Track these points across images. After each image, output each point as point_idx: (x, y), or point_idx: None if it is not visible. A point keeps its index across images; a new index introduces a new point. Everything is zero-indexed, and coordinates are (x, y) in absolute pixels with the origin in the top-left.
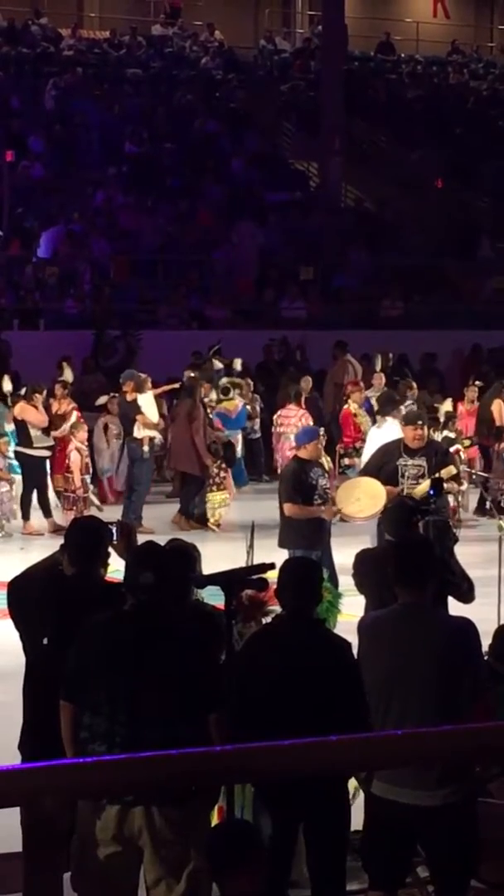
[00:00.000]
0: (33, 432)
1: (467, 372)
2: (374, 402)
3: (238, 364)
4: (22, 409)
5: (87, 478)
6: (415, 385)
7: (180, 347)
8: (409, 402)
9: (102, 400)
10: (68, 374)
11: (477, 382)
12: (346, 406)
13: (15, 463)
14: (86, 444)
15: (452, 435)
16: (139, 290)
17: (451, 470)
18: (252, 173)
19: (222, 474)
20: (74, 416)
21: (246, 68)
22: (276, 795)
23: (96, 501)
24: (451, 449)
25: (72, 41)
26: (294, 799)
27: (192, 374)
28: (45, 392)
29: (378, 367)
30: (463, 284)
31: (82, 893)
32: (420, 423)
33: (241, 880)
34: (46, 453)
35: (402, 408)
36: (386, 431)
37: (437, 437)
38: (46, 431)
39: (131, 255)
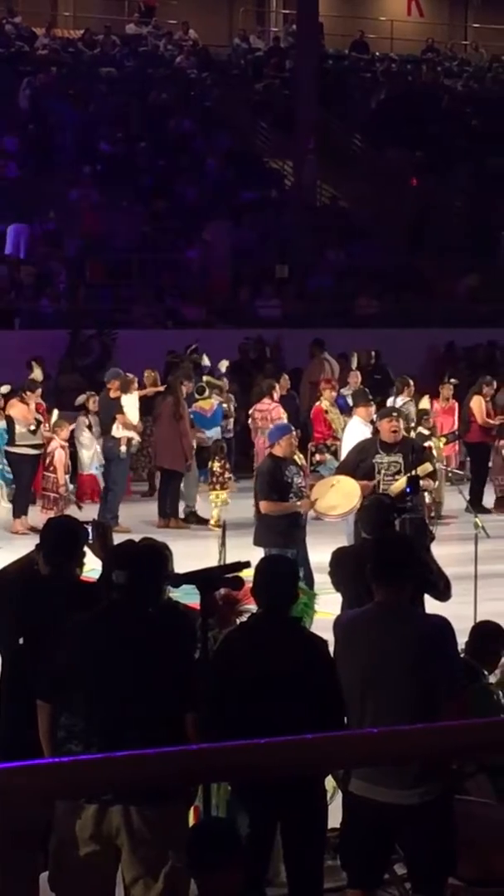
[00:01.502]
0: (18, 429)
1: (442, 370)
2: (349, 399)
3: (223, 366)
4: (11, 406)
5: (67, 477)
6: (411, 382)
7: (156, 347)
8: (406, 399)
9: (81, 399)
10: (38, 374)
11: (452, 380)
12: (317, 403)
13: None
14: (68, 442)
15: (426, 432)
16: (114, 290)
17: (428, 467)
18: (226, 172)
19: (227, 475)
20: (56, 413)
21: (220, 67)
22: (254, 794)
23: (73, 499)
24: (425, 444)
25: (46, 40)
26: (271, 798)
27: (173, 374)
28: (39, 391)
29: (354, 366)
30: (437, 283)
31: (60, 893)
32: (395, 415)
33: (220, 879)
34: (33, 451)
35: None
36: (357, 426)
37: (412, 434)
38: (34, 430)
39: (106, 255)
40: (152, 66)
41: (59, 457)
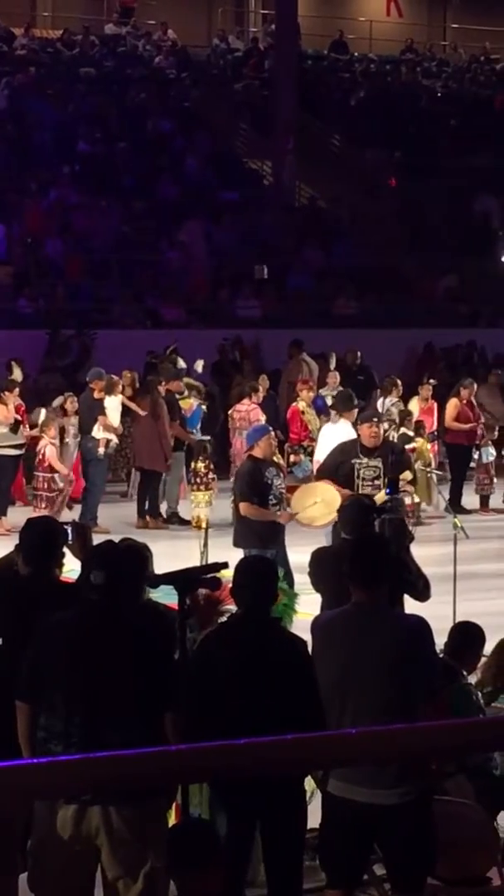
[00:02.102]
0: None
1: (421, 370)
2: (328, 400)
3: (199, 366)
4: None
5: (56, 476)
6: (399, 382)
7: (135, 347)
8: (393, 398)
9: (59, 401)
10: (17, 374)
11: (431, 381)
12: (294, 404)
13: None
14: (57, 439)
15: (410, 433)
16: (93, 290)
17: (408, 475)
18: (206, 172)
19: (210, 475)
20: (43, 412)
21: (199, 67)
22: (233, 795)
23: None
24: (408, 447)
25: (25, 40)
26: (250, 798)
27: (152, 375)
28: (16, 390)
29: (332, 366)
30: (416, 283)
31: (39, 894)
32: (375, 420)
33: (199, 880)
34: (14, 452)
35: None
36: (340, 429)
37: (394, 434)
38: (14, 430)
39: (85, 255)
40: (131, 66)
41: (51, 453)
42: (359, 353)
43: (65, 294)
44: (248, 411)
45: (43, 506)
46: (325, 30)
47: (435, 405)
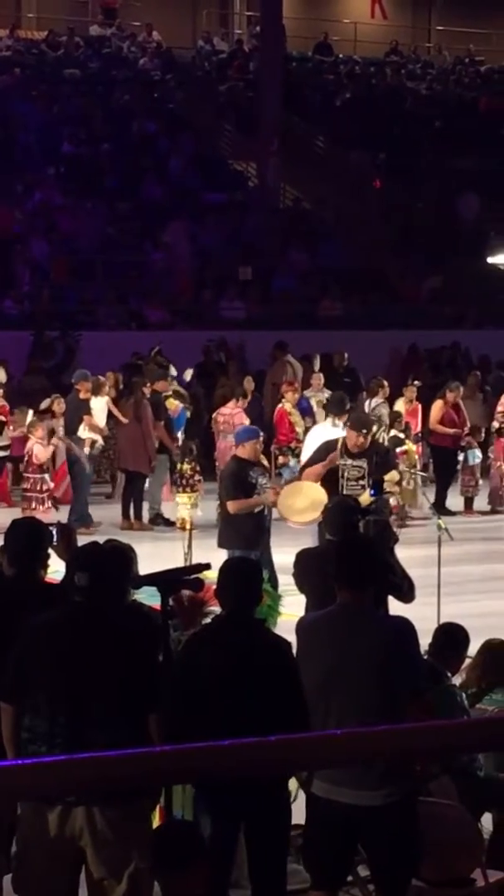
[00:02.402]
0: None
1: (406, 372)
2: (313, 402)
3: (188, 375)
4: None
5: (46, 476)
6: (385, 384)
7: (120, 348)
8: (379, 400)
9: (46, 403)
10: (2, 376)
11: (415, 382)
12: (280, 405)
13: None
14: (45, 439)
15: (402, 435)
16: (78, 291)
17: (395, 476)
18: (190, 174)
19: (196, 477)
20: (30, 414)
21: (184, 69)
22: (217, 796)
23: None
24: (399, 450)
25: (9, 41)
26: (234, 799)
27: (137, 376)
28: (0, 392)
29: (317, 368)
30: (400, 285)
31: (24, 895)
32: (364, 431)
33: (183, 881)
34: (0, 453)
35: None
36: (329, 432)
37: (385, 436)
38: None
39: (70, 256)
40: (116, 67)
41: (38, 452)
42: (346, 355)
43: (50, 295)
44: (231, 414)
45: (34, 506)
46: (309, 31)
47: (419, 406)
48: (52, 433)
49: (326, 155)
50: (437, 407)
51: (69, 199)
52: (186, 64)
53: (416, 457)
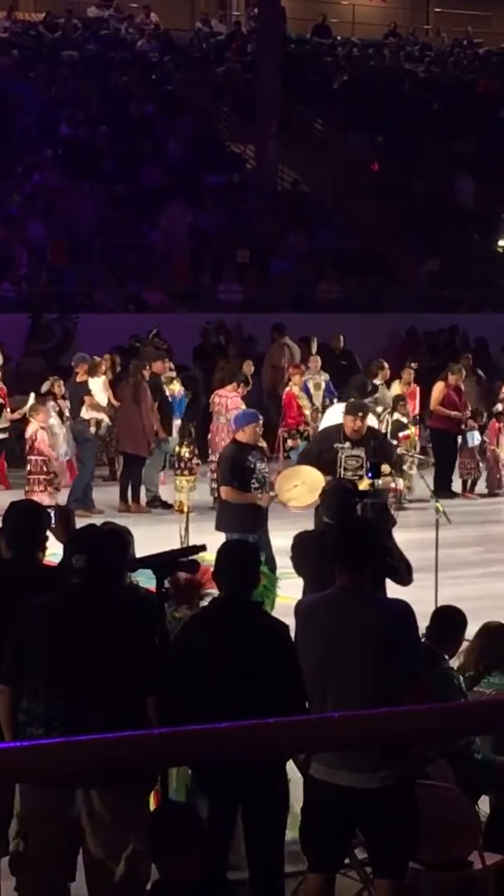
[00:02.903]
0: None
1: (404, 355)
2: (310, 384)
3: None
4: None
5: (51, 459)
6: (386, 366)
7: (117, 331)
8: (378, 382)
9: (46, 386)
10: None
11: (412, 364)
12: (288, 388)
13: None
14: (47, 424)
15: (404, 419)
16: (76, 274)
17: (386, 469)
18: (188, 156)
19: (195, 460)
20: (32, 397)
21: (182, 51)
22: (214, 778)
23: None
24: (402, 434)
25: (7, 23)
26: (232, 782)
27: (135, 359)
28: None
29: (314, 350)
30: (399, 268)
31: (21, 877)
32: (360, 414)
33: (181, 863)
34: (1, 435)
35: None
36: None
37: (389, 419)
38: None
39: (68, 238)
40: (114, 49)
41: (42, 437)
42: (342, 338)
43: (47, 278)
44: (227, 397)
45: (40, 489)
46: (308, 13)
47: (417, 389)
48: (61, 414)
49: (324, 137)
50: (438, 389)
51: (67, 181)
52: (184, 46)
53: (416, 440)
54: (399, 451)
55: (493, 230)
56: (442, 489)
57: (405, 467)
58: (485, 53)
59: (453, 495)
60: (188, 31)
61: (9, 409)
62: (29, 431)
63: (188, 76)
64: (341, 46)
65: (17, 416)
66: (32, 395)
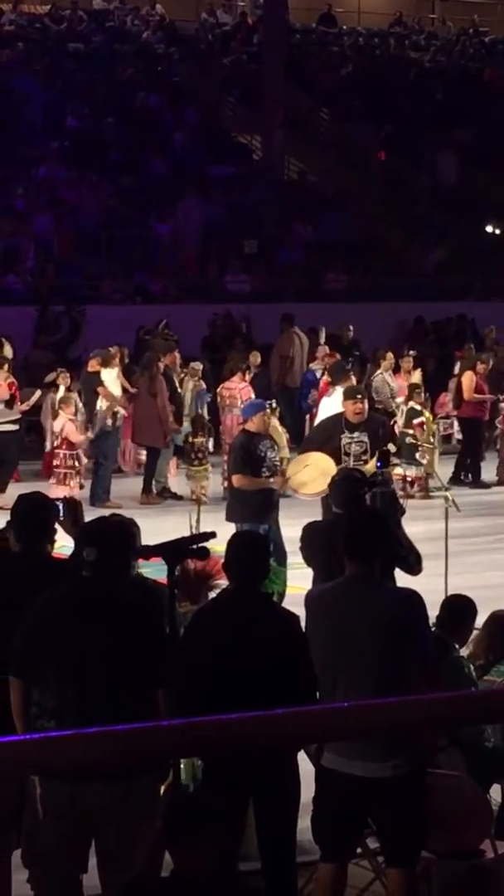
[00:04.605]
0: None
1: (411, 344)
2: (318, 374)
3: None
4: None
5: (79, 452)
6: (390, 355)
7: (125, 322)
8: (379, 372)
9: (51, 377)
10: (8, 351)
11: (412, 352)
12: (323, 377)
13: None
14: (74, 416)
15: (418, 407)
16: (83, 266)
17: (392, 448)
18: (194, 147)
19: (208, 450)
20: (62, 389)
21: (187, 42)
22: (225, 769)
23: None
24: (415, 421)
25: (12, 16)
26: (243, 772)
27: (150, 351)
28: (6, 366)
29: (322, 340)
30: (406, 257)
31: (33, 870)
32: (360, 396)
33: (194, 853)
34: (13, 427)
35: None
36: (336, 400)
37: (403, 408)
38: (10, 405)
39: (74, 230)
40: (119, 41)
41: (71, 429)
42: (350, 328)
43: (54, 270)
44: (238, 389)
45: (70, 483)
46: (313, 3)
47: (419, 374)
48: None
49: (331, 127)
50: (468, 377)
51: (73, 173)
52: (190, 37)
53: (434, 428)
54: (408, 440)
55: (501, 218)
56: (473, 478)
57: (417, 455)
58: (491, 42)
59: (486, 485)
60: (193, 21)
61: (19, 402)
62: (58, 425)
63: (194, 67)
64: (347, 36)
65: (25, 407)
66: (62, 387)
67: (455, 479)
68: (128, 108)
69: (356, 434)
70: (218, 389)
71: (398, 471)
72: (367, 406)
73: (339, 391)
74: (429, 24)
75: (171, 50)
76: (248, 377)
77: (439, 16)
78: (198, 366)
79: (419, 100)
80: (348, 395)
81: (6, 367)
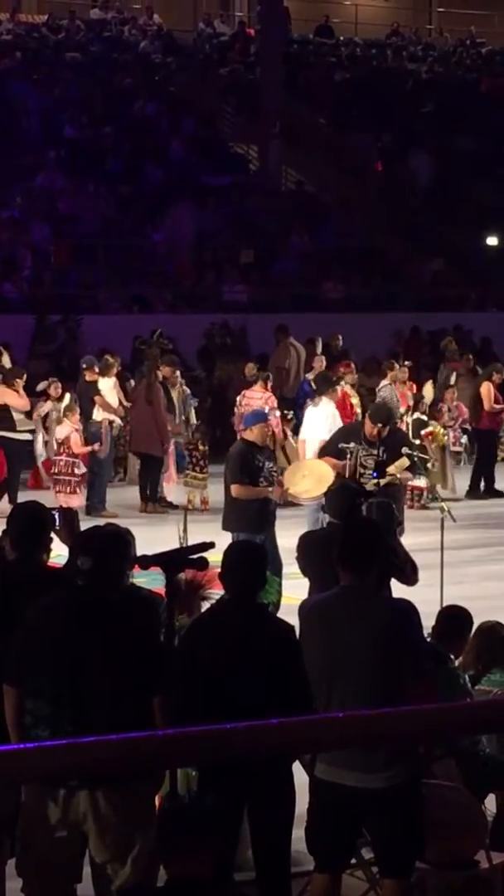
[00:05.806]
0: (16, 416)
1: (408, 354)
2: (313, 384)
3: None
4: (2, 393)
5: (79, 460)
6: (396, 366)
7: (121, 332)
8: (385, 382)
9: (43, 385)
10: (6, 360)
11: (406, 363)
12: (340, 386)
13: None
14: (79, 424)
15: (424, 417)
16: (80, 275)
17: (405, 462)
18: (192, 156)
19: (206, 459)
20: (68, 397)
21: (185, 51)
22: (221, 779)
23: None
24: (423, 431)
25: (10, 25)
26: (238, 782)
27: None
28: (24, 376)
29: (319, 350)
30: (403, 267)
31: (27, 878)
32: (381, 425)
33: (188, 863)
34: (29, 437)
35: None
36: (321, 410)
37: (408, 419)
38: (28, 415)
39: (72, 240)
40: (117, 50)
41: (76, 439)
42: (340, 338)
43: (51, 279)
44: (265, 398)
45: (68, 490)
46: (310, 14)
47: (413, 386)
48: (46, 415)
49: (328, 137)
50: (487, 388)
51: (70, 182)
52: (187, 47)
53: (445, 438)
54: (416, 452)
55: (498, 229)
56: (487, 487)
57: (428, 465)
58: (487, 53)
59: (500, 495)
60: (191, 31)
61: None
62: (63, 433)
63: (191, 77)
64: (344, 46)
65: (36, 416)
66: (68, 395)
67: (473, 490)
68: (125, 118)
69: (372, 448)
70: (238, 399)
71: (413, 482)
72: (386, 432)
73: (324, 401)
74: (426, 34)
75: (168, 60)
76: (269, 386)
77: (436, 26)
78: (177, 371)
79: (416, 110)
80: (372, 417)
81: (23, 377)
